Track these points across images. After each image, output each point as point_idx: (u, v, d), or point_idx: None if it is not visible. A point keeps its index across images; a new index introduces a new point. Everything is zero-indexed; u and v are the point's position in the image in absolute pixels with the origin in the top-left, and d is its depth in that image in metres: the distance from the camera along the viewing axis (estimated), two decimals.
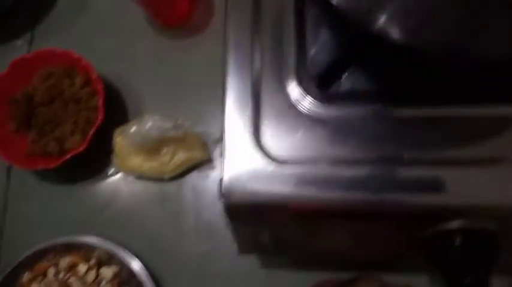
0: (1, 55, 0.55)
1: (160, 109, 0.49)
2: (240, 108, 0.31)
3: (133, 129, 0.44)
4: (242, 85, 0.31)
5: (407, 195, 0.28)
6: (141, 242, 0.47)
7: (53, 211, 0.50)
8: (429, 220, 0.28)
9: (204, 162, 0.49)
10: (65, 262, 0.46)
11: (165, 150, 0.47)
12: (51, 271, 0.46)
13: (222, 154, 0.31)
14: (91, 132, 0.45)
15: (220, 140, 0.48)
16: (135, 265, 0.44)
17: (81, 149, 0.45)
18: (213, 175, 0.49)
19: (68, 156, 0.45)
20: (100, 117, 0.46)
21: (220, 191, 0.30)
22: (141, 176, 0.49)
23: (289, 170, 0.29)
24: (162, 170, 0.47)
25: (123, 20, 0.55)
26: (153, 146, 0.46)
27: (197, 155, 0.47)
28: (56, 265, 0.46)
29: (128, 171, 0.48)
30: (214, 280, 0.46)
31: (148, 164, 0.47)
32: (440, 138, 0.28)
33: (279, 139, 0.30)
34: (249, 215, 0.30)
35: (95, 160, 0.50)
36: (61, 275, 0.46)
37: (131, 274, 0.45)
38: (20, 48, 0.56)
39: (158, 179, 0.49)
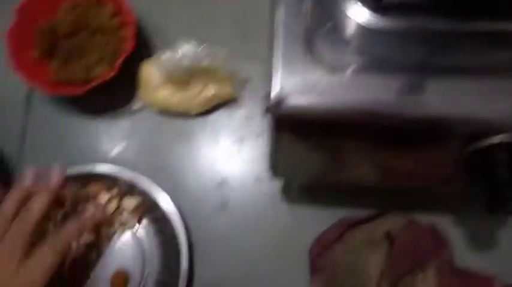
0: None
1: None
2: (293, 17, 0.31)
3: (165, 56, 0.43)
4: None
5: (453, 106, 0.29)
6: (162, 175, 0.47)
7: (74, 142, 0.50)
8: (475, 134, 0.29)
9: (231, 100, 0.49)
10: (86, 192, 0.46)
11: (194, 83, 0.46)
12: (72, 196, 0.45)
13: (271, 65, 0.31)
14: (120, 59, 0.45)
15: (247, 80, 0.49)
16: (159, 195, 0.45)
17: (109, 76, 0.45)
18: (239, 114, 0.49)
19: (96, 83, 0.45)
20: (131, 45, 0.45)
21: (269, 101, 0.31)
22: (166, 111, 0.48)
23: (341, 79, 0.29)
24: (190, 105, 0.47)
25: None
26: (183, 77, 0.46)
27: (226, 91, 0.47)
28: (77, 195, 0.46)
29: (154, 104, 0.48)
30: (234, 211, 0.46)
31: (176, 97, 0.47)
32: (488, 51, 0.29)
33: (332, 48, 0.30)
34: (298, 126, 0.31)
35: (119, 92, 0.50)
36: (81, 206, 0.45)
37: (155, 204, 0.45)
38: None
39: (183, 115, 0.49)
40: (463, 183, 0.35)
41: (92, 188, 0.45)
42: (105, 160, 0.48)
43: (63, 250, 0.39)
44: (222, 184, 0.47)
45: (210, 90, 0.47)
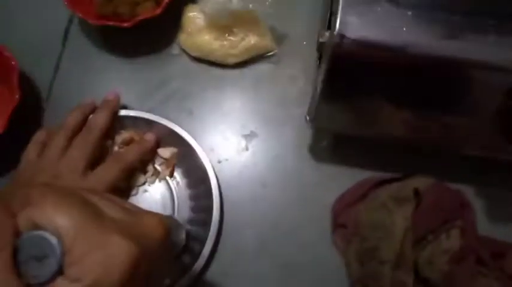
0: None
1: None
2: None
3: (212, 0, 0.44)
4: None
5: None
6: (194, 124, 0.47)
7: (106, 83, 0.50)
8: None
9: (269, 53, 0.49)
10: (120, 136, 0.46)
11: (235, 31, 0.47)
12: (108, 143, 0.45)
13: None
14: (166, 0, 0.45)
15: (286, 37, 0.50)
16: (194, 146, 0.44)
17: (155, 13, 0.45)
18: (275, 67, 0.49)
19: (142, 17, 0.45)
20: None
21: (328, 36, 0.32)
22: (205, 57, 0.49)
23: (404, 16, 0.30)
24: (230, 52, 0.48)
25: None
26: (226, 24, 0.46)
27: (265, 43, 0.48)
28: (112, 137, 0.45)
29: (194, 49, 0.48)
30: (260, 162, 0.46)
31: (217, 43, 0.47)
32: None
33: None
34: (354, 63, 0.32)
35: (158, 35, 0.50)
36: (116, 148, 0.45)
37: (189, 155, 0.44)
38: None
39: (221, 63, 0.49)
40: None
41: (128, 134, 0.45)
42: (138, 105, 0.48)
43: (126, 168, 0.39)
44: (252, 134, 0.48)
45: (250, 40, 0.47)
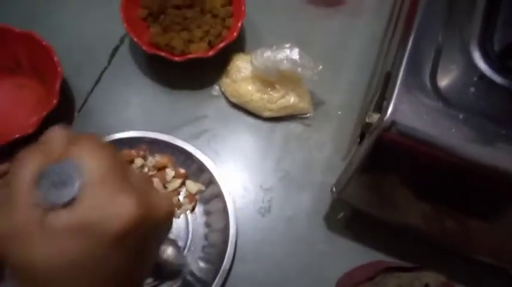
0: None
1: None
2: (421, 51, 0.33)
3: (267, 53, 0.45)
4: (428, 32, 0.34)
5: None
6: (218, 165, 0.47)
7: (143, 106, 0.51)
8: None
9: (303, 115, 0.50)
10: (153, 160, 0.46)
11: (278, 87, 0.48)
12: (139, 162, 0.45)
13: (390, 89, 0.33)
14: (222, 44, 0.47)
15: (323, 103, 0.51)
16: (223, 186, 0.44)
17: (208, 54, 0.47)
18: (306, 130, 0.50)
19: (194, 56, 0.46)
20: (235, 36, 0.48)
21: (378, 120, 0.32)
22: (242, 105, 0.50)
23: (455, 117, 0.31)
24: (268, 106, 0.49)
25: None
26: (271, 78, 0.47)
27: (304, 105, 0.49)
28: (145, 158, 0.46)
29: (235, 95, 0.49)
30: (276, 228, 0.46)
31: (258, 95, 0.48)
32: None
33: (451, 86, 0.32)
34: (397, 150, 0.32)
35: (202, 74, 0.51)
36: (146, 170, 0.45)
37: (215, 194, 0.44)
38: None
39: (256, 113, 0.50)
40: None
41: (161, 158, 0.46)
42: (170, 134, 0.47)
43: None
44: (271, 189, 0.48)
45: (290, 99, 0.48)
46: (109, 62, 0.52)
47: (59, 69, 0.45)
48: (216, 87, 0.52)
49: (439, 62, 0.33)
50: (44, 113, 0.43)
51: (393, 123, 0.31)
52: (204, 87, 0.52)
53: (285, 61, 0.45)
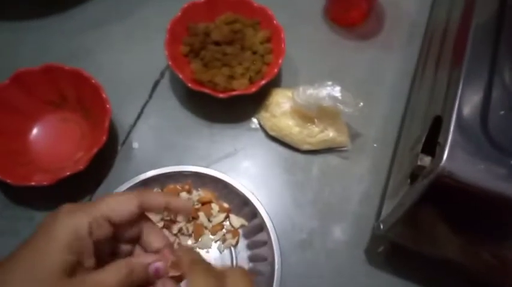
0: None
1: None
2: (471, 96, 0.35)
3: (309, 91, 0.46)
4: (477, 77, 0.36)
5: None
6: (263, 199, 0.47)
7: (183, 139, 0.52)
8: None
9: (340, 147, 0.51)
10: (197, 194, 0.47)
11: (317, 122, 0.49)
12: (184, 196, 0.46)
13: (445, 136, 0.34)
14: (264, 81, 0.49)
15: (358, 136, 0.52)
16: (266, 220, 0.44)
17: (251, 91, 0.48)
18: (343, 162, 0.51)
19: (238, 92, 0.48)
20: (275, 72, 0.49)
21: (440, 161, 0.33)
22: (281, 138, 0.51)
23: (509, 161, 0.32)
24: (307, 140, 0.50)
25: (299, 1, 0.61)
26: (310, 113, 0.49)
27: (341, 139, 0.50)
28: (190, 192, 0.47)
29: (274, 129, 0.51)
30: (316, 255, 0.47)
31: (297, 129, 0.50)
32: None
33: (503, 132, 0.33)
34: (452, 194, 0.33)
35: (241, 107, 0.53)
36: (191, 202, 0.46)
37: (259, 227, 0.45)
38: None
39: (295, 146, 0.51)
40: None
41: (205, 193, 0.47)
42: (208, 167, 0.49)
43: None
44: (310, 222, 0.48)
45: (329, 133, 0.50)
46: (150, 96, 0.54)
47: (107, 106, 0.46)
48: (255, 120, 0.53)
49: (490, 107, 0.34)
50: (95, 150, 0.44)
51: (448, 170, 0.32)
52: (242, 121, 0.53)
53: (327, 98, 0.46)
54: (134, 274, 0.29)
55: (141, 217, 0.32)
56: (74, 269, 0.28)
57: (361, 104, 0.46)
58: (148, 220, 0.33)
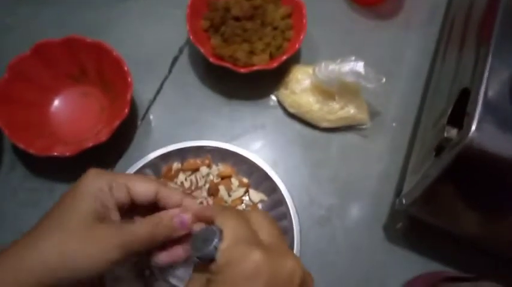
0: None
1: None
2: (500, 67, 0.34)
3: (332, 66, 0.46)
4: (506, 49, 0.35)
5: None
6: (282, 175, 0.46)
7: (202, 116, 0.52)
8: None
9: (360, 125, 0.51)
10: (217, 169, 0.47)
11: (338, 98, 0.49)
12: (205, 170, 0.47)
13: (474, 105, 0.34)
14: (284, 56, 0.48)
15: (378, 114, 0.52)
16: (285, 194, 0.44)
17: (272, 66, 0.48)
18: (362, 141, 0.51)
19: (258, 68, 0.48)
20: (295, 47, 0.49)
21: (468, 132, 0.33)
22: (300, 115, 0.51)
23: None
24: (326, 117, 0.50)
25: None
26: (331, 90, 0.49)
27: (362, 116, 0.50)
28: (210, 166, 0.47)
29: (294, 106, 0.50)
30: (334, 232, 0.47)
31: (318, 106, 0.49)
32: None
33: None
34: (480, 165, 0.33)
35: (260, 85, 0.53)
36: (211, 177, 0.47)
37: (278, 202, 0.45)
38: None
39: (314, 124, 0.51)
40: None
41: (225, 168, 0.47)
42: (227, 142, 0.48)
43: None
44: (329, 199, 0.49)
45: (350, 110, 0.49)
46: (169, 71, 0.54)
47: (129, 79, 0.46)
48: (273, 97, 0.53)
49: None
50: (117, 123, 0.44)
51: (476, 141, 0.32)
52: (262, 97, 0.53)
53: (349, 73, 0.46)
54: (161, 225, 0.31)
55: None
56: (103, 218, 0.30)
57: (384, 79, 0.46)
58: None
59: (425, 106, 0.52)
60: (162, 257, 0.32)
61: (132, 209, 0.33)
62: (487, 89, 0.34)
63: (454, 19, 0.55)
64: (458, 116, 0.35)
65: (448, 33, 0.54)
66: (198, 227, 0.32)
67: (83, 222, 0.29)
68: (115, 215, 0.31)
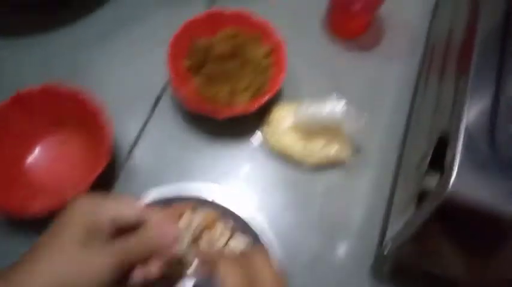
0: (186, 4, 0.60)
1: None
2: (478, 115, 0.34)
3: (312, 108, 0.46)
4: (484, 89, 0.35)
5: None
6: (267, 217, 0.47)
7: (185, 159, 0.51)
8: None
9: (342, 163, 0.51)
10: (201, 213, 0.45)
11: (320, 137, 0.49)
12: (188, 217, 0.44)
13: (452, 153, 0.33)
14: (266, 97, 0.48)
15: (360, 148, 0.52)
16: (271, 240, 0.44)
17: (253, 108, 0.48)
18: (346, 177, 0.51)
19: (238, 112, 0.47)
20: (277, 87, 0.49)
21: (448, 182, 0.33)
22: (283, 155, 0.51)
23: None
24: (310, 156, 0.49)
25: (301, 13, 0.60)
26: (313, 129, 0.48)
27: (344, 154, 0.50)
28: (194, 211, 0.45)
29: (277, 145, 0.50)
30: (322, 273, 0.47)
31: (299, 145, 0.49)
32: None
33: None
34: (461, 217, 0.33)
35: (243, 124, 0.52)
36: (195, 224, 0.45)
37: (264, 247, 0.44)
38: (201, 2, 0.60)
39: (297, 163, 0.51)
40: None
41: (209, 213, 0.45)
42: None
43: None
44: (315, 239, 0.48)
45: (332, 149, 0.49)
46: (152, 111, 0.53)
47: (107, 129, 0.46)
48: (257, 136, 0.52)
49: (497, 123, 0.34)
50: (95, 174, 0.43)
51: (456, 192, 0.32)
52: (245, 137, 0.52)
53: (330, 115, 0.46)
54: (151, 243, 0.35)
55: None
56: (94, 239, 0.32)
57: (365, 120, 0.46)
58: None
59: (408, 140, 0.52)
60: (137, 274, 0.34)
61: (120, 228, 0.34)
62: (465, 137, 0.33)
63: (433, 50, 0.55)
64: (439, 161, 0.35)
65: (428, 65, 0.54)
66: (198, 274, 0.35)
67: (76, 244, 0.31)
68: (104, 235, 0.32)
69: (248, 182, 0.51)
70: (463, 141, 0.33)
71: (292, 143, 0.49)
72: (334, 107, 0.46)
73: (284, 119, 0.50)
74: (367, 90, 0.56)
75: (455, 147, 0.33)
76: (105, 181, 0.49)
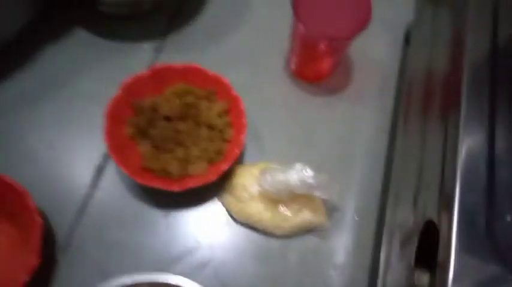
0: (127, 55, 0.52)
1: (280, 159, 0.47)
2: (472, 197, 0.29)
3: (278, 177, 0.40)
4: (475, 167, 0.30)
5: None
6: None
7: (138, 236, 0.44)
8: None
9: (318, 228, 0.45)
10: None
11: (290, 204, 0.43)
12: None
13: (448, 252, 0.28)
14: (225, 166, 0.42)
15: (336, 210, 0.46)
16: None
17: (210, 181, 0.41)
18: (322, 243, 0.45)
19: (194, 185, 0.41)
20: (238, 152, 0.42)
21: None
22: (251, 225, 0.44)
23: None
24: (280, 225, 0.43)
25: (261, 58, 0.54)
26: (283, 196, 0.42)
27: (319, 219, 0.44)
28: None
29: (243, 215, 0.44)
30: None
31: (268, 214, 0.43)
32: None
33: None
34: None
35: (203, 192, 0.45)
36: None
37: None
38: (145, 53, 0.53)
39: (267, 233, 0.45)
40: None
41: None
42: (170, 267, 0.42)
43: None
44: None
45: (305, 216, 0.43)
46: (93, 185, 0.46)
47: (36, 218, 0.38)
48: (219, 204, 0.46)
49: (494, 212, 0.29)
50: (26, 277, 0.36)
51: None
52: (204, 205, 0.46)
53: (298, 184, 0.40)
54: None
55: None
56: None
57: (338, 186, 0.41)
58: None
59: (390, 193, 0.47)
60: None
61: None
62: (459, 231, 0.29)
63: (410, 90, 0.50)
64: (427, 253, 0.30)
65: (406, 108, 0.49)
66: None
67: None
68: None
69: (212, 259, 0.44)
70: (457, 236, 0.28)
71: (259, 212, 0.43)
72: (302, 175, 0.40)
73: (248, 187, 0.43)
74: (339, 138, 0.50)
75: (449, 242, 0.28)
76: (42, 275, 0.41)
